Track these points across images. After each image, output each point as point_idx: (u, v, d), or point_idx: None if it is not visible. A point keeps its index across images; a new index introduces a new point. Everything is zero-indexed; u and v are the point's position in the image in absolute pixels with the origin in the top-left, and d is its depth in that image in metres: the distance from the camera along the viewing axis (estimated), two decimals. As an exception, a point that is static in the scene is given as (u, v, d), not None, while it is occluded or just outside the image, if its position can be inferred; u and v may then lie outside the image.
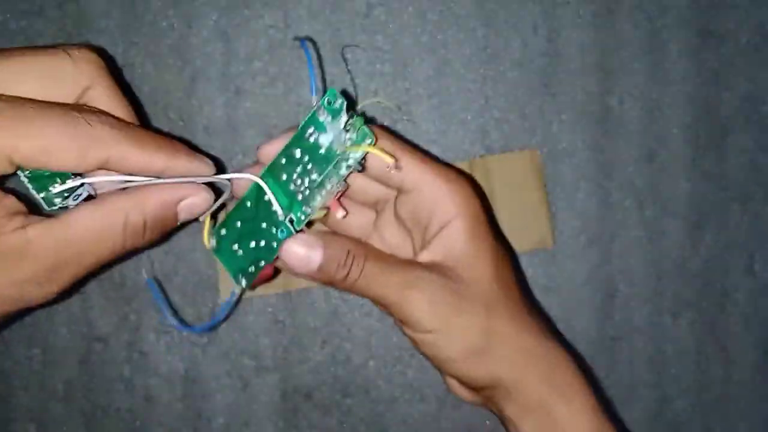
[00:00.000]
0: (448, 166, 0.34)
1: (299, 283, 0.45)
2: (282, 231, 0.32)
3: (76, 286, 0.30)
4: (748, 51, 0.46)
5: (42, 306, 0.30)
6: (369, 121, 0.45)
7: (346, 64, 0.44)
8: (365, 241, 0.35)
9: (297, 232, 0.32)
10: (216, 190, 0.32)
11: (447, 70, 0.45)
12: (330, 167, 0.31)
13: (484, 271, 0.33)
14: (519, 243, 0.44)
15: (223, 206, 0.33)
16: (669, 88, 0.46)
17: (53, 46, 0.29)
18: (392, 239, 0.35)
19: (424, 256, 0.33)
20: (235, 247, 0.33)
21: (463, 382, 0.35)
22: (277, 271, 0.34)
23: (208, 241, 0.33)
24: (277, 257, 0.33)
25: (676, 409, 0.46)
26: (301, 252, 0.32)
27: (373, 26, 0.45)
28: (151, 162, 0.29)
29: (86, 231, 0.28)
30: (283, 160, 0.32)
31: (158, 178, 0.30)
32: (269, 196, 0.32)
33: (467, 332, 0.33)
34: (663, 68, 0.46)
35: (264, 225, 0.32)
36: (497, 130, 0.45)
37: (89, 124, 0.27)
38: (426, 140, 0.45)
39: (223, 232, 0.33)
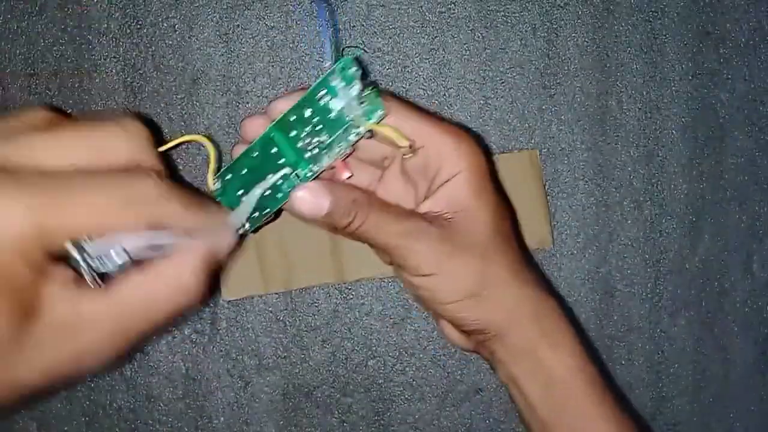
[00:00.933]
0: (452, 123, 0.35)
1: (300, 283, 0.45)
2: (287, 184, 0.34)
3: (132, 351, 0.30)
4: (747, 51, 0.46)
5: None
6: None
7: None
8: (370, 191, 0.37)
9: None
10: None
11: (446, 71, 0.45)
12: (339, 132, 0.32)
13: (484, 222, 0.35)
14: (518, 243, 0.45)
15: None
16: (667, 89, 0.46)
17: (106, 115, 0.29)
18: (396, 192, 0.37)
19: (426, 206, 0.35)
20: (240, 192, 0.34)
21: (457, 325, 0.37)
22: (278, 213, 0.36)
23: (213, 183, 0.34)
24: (283, 206, 0.34)
25: (675, 408, 0.47)
26: (309, 199, 0.33)
27: (373, 28, 0.45)
28: (194, 220, 0.29)
29: (141, 301, 0.28)
30: (293, 117, 0.33)
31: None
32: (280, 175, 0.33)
33: (462, 275, 0.35)
34: (661, 69, 0.46)
35: (270, 176, 0.34)
36: (496, 131, 0.45)
37: (140, 186, 0.27)
38: (426, 141, 0.45)
39: (228, 176, 0.34)
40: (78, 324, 0.27)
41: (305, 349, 0.46)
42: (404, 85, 0.45)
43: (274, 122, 0.33)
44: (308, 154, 0.33)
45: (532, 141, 0.46)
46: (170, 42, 0.45)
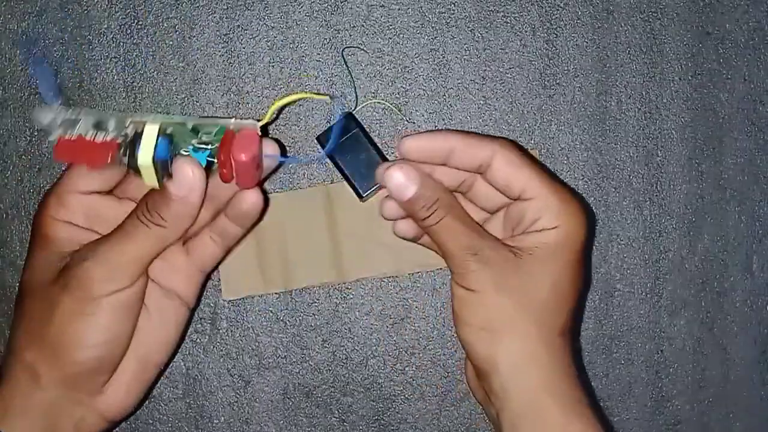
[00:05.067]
0: (571, 191, 0.37)
1: (300, 283, 0.45)
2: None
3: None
4: (746, 52, 0.46)
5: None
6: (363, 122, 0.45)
7: (347, 66, 0.45)
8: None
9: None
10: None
11: (446, 72, 0.45)
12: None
13: (549, 285, 0.35)
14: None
15: None
16: (667, 89, 0.46)
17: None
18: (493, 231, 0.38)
19: (509, 240, 0.37)
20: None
21: (468, 353, 0.37)
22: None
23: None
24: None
25: (674, 408, 0.47)
26: (400, 180, 0.35)
27: (373, 28, 0.45)
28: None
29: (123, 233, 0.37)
30: None
31: None
32: None
33: (498, 309, 0.35)
34: (661, 69, 0.46)
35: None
36: (496, 131, 0.45)
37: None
38: (425, 141, 0.45)
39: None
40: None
41: (305, 348, 0.46)
42: (404, 85, 0.45)
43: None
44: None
45: (532, 141, 0.46)
46: (170, 42, 0.45)
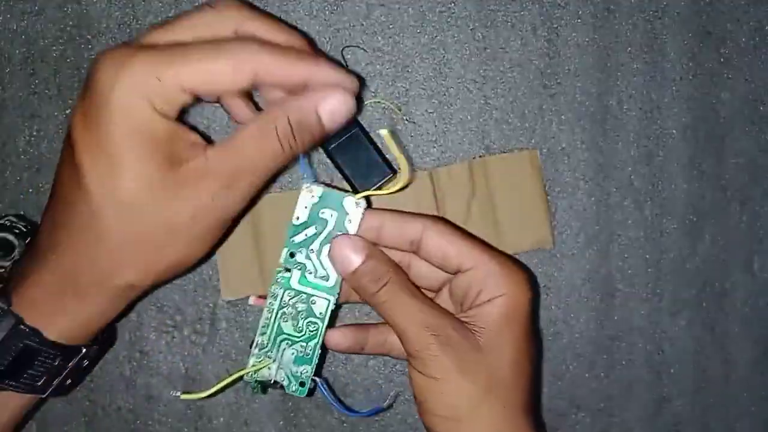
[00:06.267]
0: (507, 256, 0.36)
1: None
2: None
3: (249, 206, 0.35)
4: (747, 51, 0.46)
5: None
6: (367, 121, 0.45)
7: (346, 65, 0.44)
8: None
9: None
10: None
11: (446, 71, 0.45)
12: None
13: (507, 357, 0.34)
14: (518, 243, 0.45)
15: None
16: (668, 89, 0.46)
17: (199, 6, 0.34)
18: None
19: (461, 316, 0.35)
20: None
21: None
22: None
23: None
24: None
25: (675, 408, 0.47)
26: (345, 251, 0.34)
27: (373, 27, 0.45)
28: (294, 70, 0.32)
29: (249, 142, 0.32)
30: None
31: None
32: None
33: (463, 396, 0.34)
34: (662, 69, 0.46)
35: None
36: (497, 131, 0.45)
37: (232, 49, 0.31)
38: (426, 141, 0.45)
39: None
40: (203, 172, 0.32)
41: (305, 349, 0.46)
42: (404, 85, 0.45)
43: None
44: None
45: (533, 141, 0.46)
46: (170, 42, 0.45)
